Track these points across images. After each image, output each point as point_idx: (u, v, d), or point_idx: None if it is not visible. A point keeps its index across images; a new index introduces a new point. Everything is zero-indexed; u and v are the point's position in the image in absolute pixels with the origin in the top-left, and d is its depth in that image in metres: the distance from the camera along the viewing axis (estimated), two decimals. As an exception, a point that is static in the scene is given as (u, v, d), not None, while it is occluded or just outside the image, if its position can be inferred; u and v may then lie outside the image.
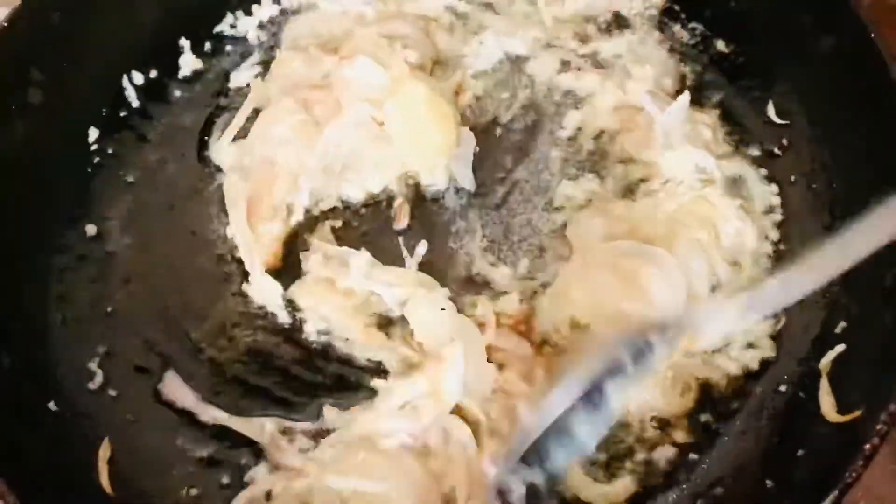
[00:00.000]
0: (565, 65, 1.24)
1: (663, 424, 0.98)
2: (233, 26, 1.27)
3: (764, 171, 1.13)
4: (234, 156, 1.15)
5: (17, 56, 1.05)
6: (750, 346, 1.02)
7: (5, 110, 1.04)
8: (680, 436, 0.97)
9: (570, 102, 1.20)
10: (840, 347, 0.95)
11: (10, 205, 1.03)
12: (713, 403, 0.99)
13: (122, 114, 1.18)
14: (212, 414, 0.99)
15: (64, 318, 1.05)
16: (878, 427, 0.79)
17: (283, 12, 1.29)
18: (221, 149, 1.17)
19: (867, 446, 0.79)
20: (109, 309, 1.06)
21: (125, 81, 1.18)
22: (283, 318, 1.05)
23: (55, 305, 1.05)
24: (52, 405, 0.97)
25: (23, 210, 1.05)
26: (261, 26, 1.28)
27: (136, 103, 1.19)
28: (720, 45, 1.22)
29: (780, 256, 1.07)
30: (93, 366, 1.02)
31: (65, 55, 1.10)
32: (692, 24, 1.25)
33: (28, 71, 1.06)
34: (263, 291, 1.06)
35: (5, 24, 1.02)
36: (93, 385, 1.01)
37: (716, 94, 1.20)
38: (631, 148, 1.15)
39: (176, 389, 1.01)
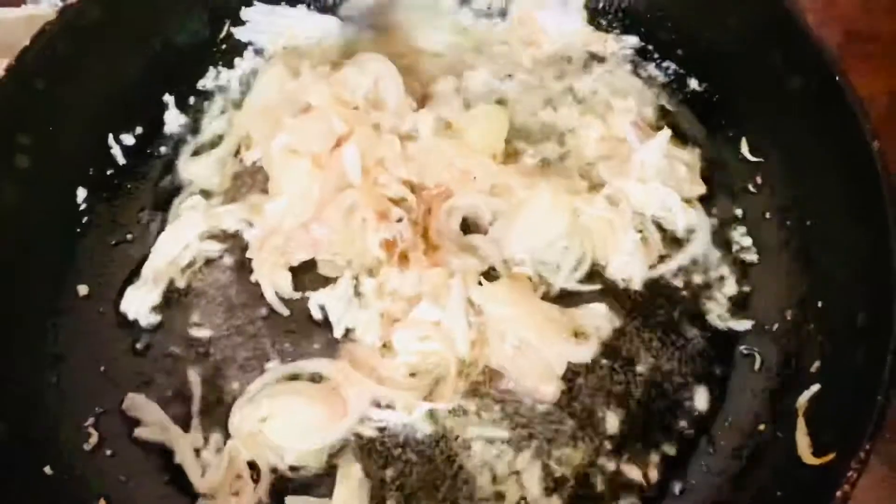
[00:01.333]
0: (547, 102, 1.27)
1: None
2: (216, 80, 1.30)
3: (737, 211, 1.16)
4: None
5: (3, 123, 1.07)
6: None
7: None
8: (654, 474, 1.00)
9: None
10: (815, 387, 0.97)
11: (1, 268, 1.05)
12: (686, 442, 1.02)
13: (108, 172, 1.20)
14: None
15: (58, 379, 1.07)
16: (850, 474, 0.81)
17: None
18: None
19: (838, 493, 0.81)
20: (103, 368, 1.08)
21: (111, 140, 1.20)
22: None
23: (49, 367, 1.07)
24: (48, 469, 0.99)
25: (13, 273, 1.07)
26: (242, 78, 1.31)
27: (122, 161, 1.21)
28: (693, 83, 1.25)
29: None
30: (88, 427, 1.04)
31: (50, 119, 1.12)
32: (665, 63, 1.27)
33: (14, 137, 1.08)
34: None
35: (-8, 95, 1.05)
36: (87, 446, 1.03)
37: (691, 130, 1.23)
38: (605, 174, 1.18)
39: (141, 406, 1.04)
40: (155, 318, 1.11)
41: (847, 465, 0.82)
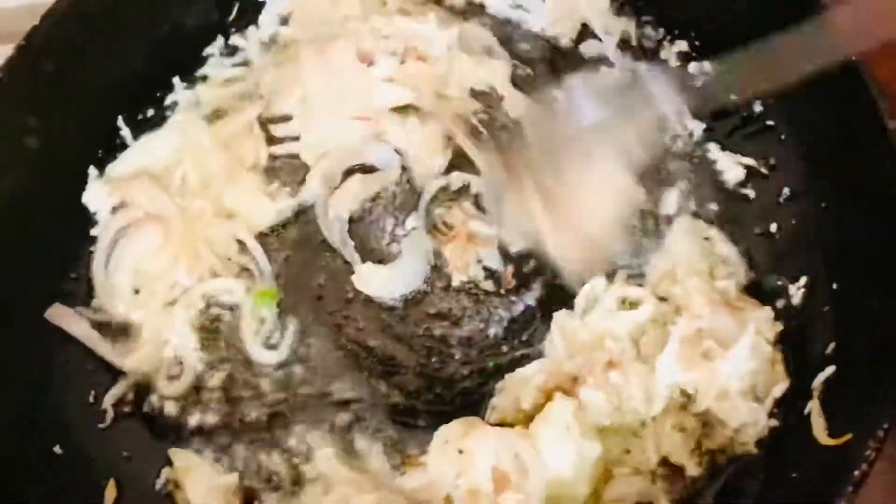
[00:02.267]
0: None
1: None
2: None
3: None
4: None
5: (13, 104, 1.06)
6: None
7: (4, 158, 1.06)
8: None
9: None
10: (831, 369, 0.96)
11: (8, 251, 1.05)
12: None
13: (118, 155, 1.19)
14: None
15: (67, 360, 1.07)
16: (867, 453, 0.80)
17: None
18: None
19: (856, 473, 0.80)
20: (111, 348, 1.08)
21: (120, 121, 1.20)
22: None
23: (58, 349, 1.07)
24: (57, 449, 0.99)
25: (21, 255, 1.06)
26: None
27: (131, 142, 1.20)
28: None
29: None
30: (103, 405, 1.04)
31: (59, 101, 1.11)
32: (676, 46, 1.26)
33: (24, 118, 1.08)
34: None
35: (1, 76, 1.04)
36: (102, 424, 1.03)
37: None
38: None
39: (65, 316, 1.06)
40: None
41: (865, 444, 0.81)
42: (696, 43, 1.24)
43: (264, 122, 1.21)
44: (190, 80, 1.25)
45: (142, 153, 1.19)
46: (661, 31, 1.26)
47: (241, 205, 1.15)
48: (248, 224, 1.15)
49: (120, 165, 1.18)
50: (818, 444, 0.91)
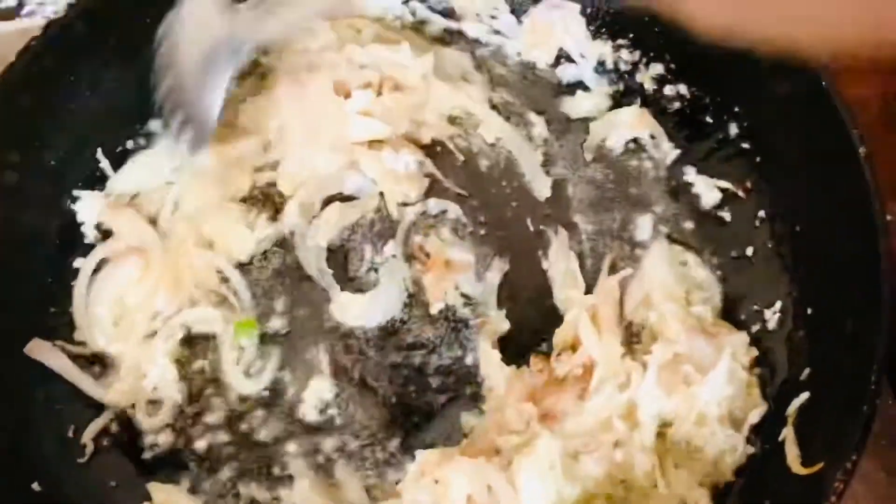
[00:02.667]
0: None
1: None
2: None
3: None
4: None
5: (-9, 141, 1.07)
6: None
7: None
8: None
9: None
10: (805, 395, 0.96)
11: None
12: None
13: (97, 189, 1.20)
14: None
15: (46, 395, 1.07)
16: (836, 485, 0.80)
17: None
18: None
19: (825, 504, 0.80)
20: (90, 383, 1.09)
21: (99, 154, 1.20)
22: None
23: (38, 384, 1.07)
24: (35, 486, 0.99)
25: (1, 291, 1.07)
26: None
27: (111, 174, 1.21)
28: (682, 89, 1.24)
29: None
30: (82, 439, 1.04)
31: (37, 135, 1.12)
32: (651, 69, 1.26)
33: (5, 154, 1.08)
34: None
35: (-23, 113, 1.05)
36: (81, 459, 1.04)
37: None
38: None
39: (44, 350, 1.06)
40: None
41: (833, 476, 0.81)
42: (672, 66, 1.24)
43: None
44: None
45: (142, 171, 1.20)
46: (638, 53, 1.26)
47: (221, 235, 1.16)
48: (228, 254, 1.15)
49: (119, 181, 1.19)
50: (791, 472, 0.91)
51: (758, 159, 1.16)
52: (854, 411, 0.85)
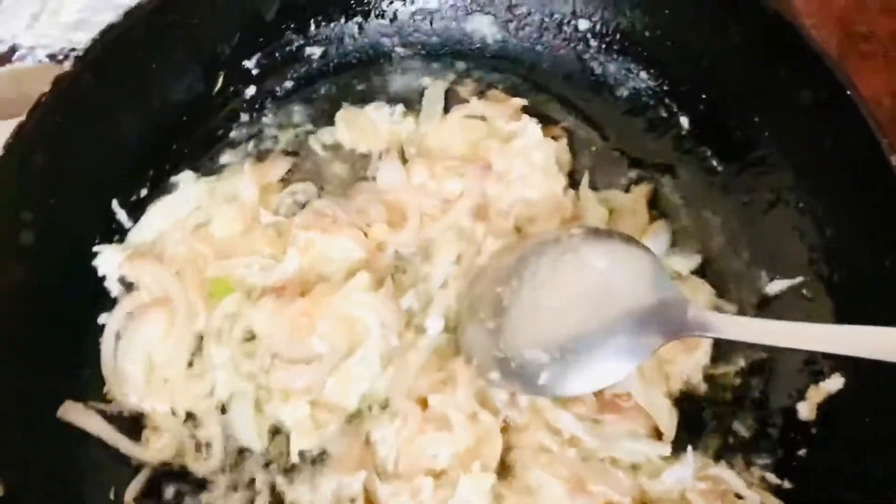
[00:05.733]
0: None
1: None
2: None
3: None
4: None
5: (5, 201, 1.05)
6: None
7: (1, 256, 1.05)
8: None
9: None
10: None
11: (14, 349, 1.03)
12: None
13: (115, 238, 1.18)
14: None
15: (87, 456, 1.05)
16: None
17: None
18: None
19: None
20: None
21: (115, 205, 1.19)
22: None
23: (78, 446, 1.05)
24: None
25: (26, 352, 1.04)
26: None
27: (128, 225, 1.19)
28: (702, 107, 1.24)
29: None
30: (125, 500, 1.03)
31: (52, 192, 1.09)
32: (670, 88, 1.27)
33: (18, 214, 1.06)
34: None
35: (-9, 173, 1.02)
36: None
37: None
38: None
39: (77, 412, 1.05)
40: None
41: None
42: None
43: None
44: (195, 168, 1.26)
45: (161, 219, 1.21)
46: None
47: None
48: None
49: (138, 233, 1.19)
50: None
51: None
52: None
